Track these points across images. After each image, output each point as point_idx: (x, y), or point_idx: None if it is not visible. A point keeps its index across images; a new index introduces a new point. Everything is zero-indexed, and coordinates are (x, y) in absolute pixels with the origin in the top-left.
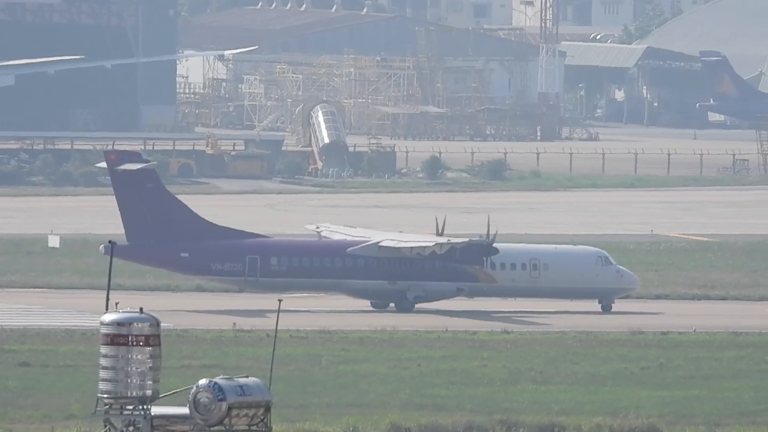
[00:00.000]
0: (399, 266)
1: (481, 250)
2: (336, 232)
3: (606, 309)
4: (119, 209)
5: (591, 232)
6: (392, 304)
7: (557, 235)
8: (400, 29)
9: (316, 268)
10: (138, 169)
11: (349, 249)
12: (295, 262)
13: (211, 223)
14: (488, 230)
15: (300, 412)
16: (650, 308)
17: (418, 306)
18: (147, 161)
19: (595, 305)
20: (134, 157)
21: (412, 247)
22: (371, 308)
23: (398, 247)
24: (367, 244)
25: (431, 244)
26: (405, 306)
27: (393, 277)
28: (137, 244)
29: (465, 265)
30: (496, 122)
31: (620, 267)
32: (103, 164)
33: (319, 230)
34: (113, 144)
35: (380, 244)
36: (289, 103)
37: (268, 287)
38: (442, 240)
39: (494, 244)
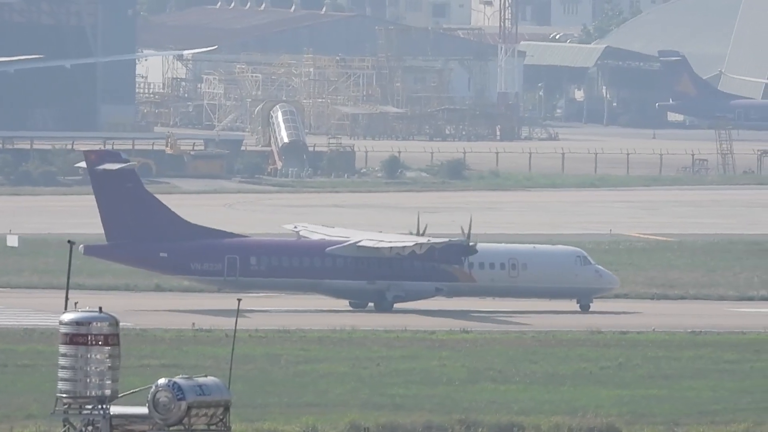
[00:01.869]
0: (378, 266)
1: (460, 249)
2: (315, 231)
3: (584, 309)
4: (99, 209)
5: (550, 232)
6: (371, 304)
7: (517, 235)
8: (360, 29)
9: (295, 268)
10: (117, 169)
11: (328, 249)
12: (274, 262)
13: (191, 222)
14: (469, 230)
15: (259, 412)
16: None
17: (396, 305)
18: (126, 161)
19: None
20: (114, 156)
21: (391, 247)
22: (332, 308)
23: (377, 247)
24: (346, 244)
25: (411, 243)
26: (384, 306)
27: (372, 276)
28: (117, 244)
29: (444, 265)
30: (456, 122)
31: (599, 266)
32: (83, 164)
33: (297, 230)
34: (72, 144)
35: (359, 243)
36: (249, 103)
37: (247, 287)
38: (422, 240)
39: (472, 244)
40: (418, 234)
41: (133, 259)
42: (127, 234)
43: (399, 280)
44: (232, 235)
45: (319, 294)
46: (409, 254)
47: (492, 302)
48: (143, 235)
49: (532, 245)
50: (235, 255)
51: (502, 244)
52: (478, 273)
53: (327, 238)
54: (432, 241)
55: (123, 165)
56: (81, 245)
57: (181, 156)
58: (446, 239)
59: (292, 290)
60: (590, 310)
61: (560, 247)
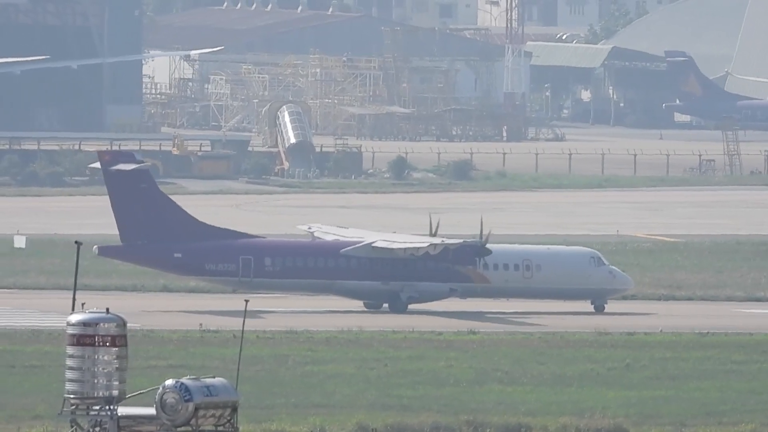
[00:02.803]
0: (392, 267)
1: (474, 250)
2: (328, 232)
3: (599, 310)
4: (113, 209)
5: (557, 233)
6: (386, 305)
7: (524, 236)
8: (366, 29)
9: (309, 269)
10: (132, 170)
11: (342, 250)
12: (288, 263)
13: (205, 223)
14: (481, 231)
15: (266, 413)
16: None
17: (411, 306)
18: (141, 162)
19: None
20: (128, 157)
21: (405, 248)
22: (339, 308)
23: (392, 248)
24: (360, 244)
25: (425, 244)
26: (398, 306)
27: (386, 277)
28: (131, 245)
29: (458, 266)
30: (462, 122)
31: (613, 267)
32: (97, 164)
33: (311, 230)
34: (79, 144)
35: (374, 244)
36: (255, 104)
37: (261, 288)
38: (436, 240)
39: (487, 245)
40: (431, 235)
41: (148, 259)
42: (141, 235)
43: (413, 281)
44: (246, 235)
45: (333, 295)
46: (423, 255)
47: (504, 303)
48: (157, 235)
49: (546, 246)
50: (250, 256)
51: (516, 245)
52: (492, 274)
53: (341, 238)
54: (446, 242)
55: (137, 165)
56: (95, 246)
57: (187, 157)
58: (461, 240)
59: (306, 291)
60: (604, 311)
61: (574, 247)
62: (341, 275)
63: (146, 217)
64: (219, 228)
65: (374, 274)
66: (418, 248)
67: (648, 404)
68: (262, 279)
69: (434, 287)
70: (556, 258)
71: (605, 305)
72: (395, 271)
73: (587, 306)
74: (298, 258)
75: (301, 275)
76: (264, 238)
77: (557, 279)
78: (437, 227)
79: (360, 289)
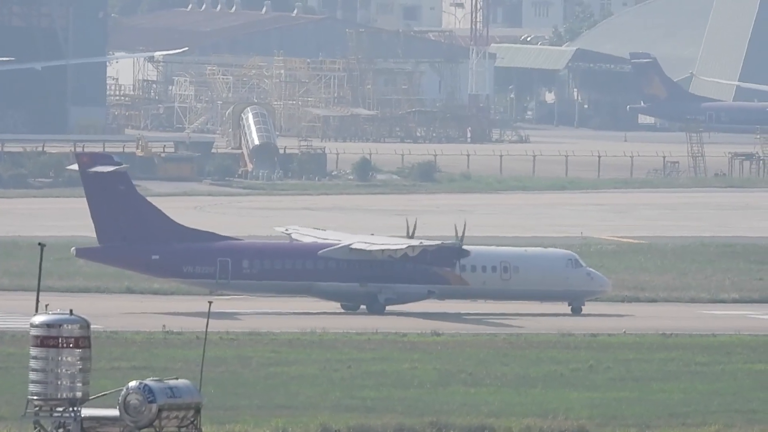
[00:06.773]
0: (370, 269)
1: (452, 252)
2: (306, 234)
3: (576, 311)
4: (90, 211)
5: (521, 235)
6: (363, 306)
7: (489, 237)
8: (331, 31)
9: (287, 271)
10: (110, 172)
11: (320, 251)
12: (266, 265)
13: (183, 225)
14: (462, 232)
15: (230, 414)
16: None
17: (389, 308)
18: (119, 164)
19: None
20: (106, 159)
21: (383, 250)
22: (304, 311)
23: (370, 250)
24: (338, 246)
25: (403, 246)
26: (376, 308)
27: (364, 279)
28: (108, 247)
29: (436, 268)
30: (427, 124)
31: (590, 269)
32: (75, 166)
33: (289, 233)
34: (43, 146)
35: (352, 246)
36: (220, 105)
37: (239, 290)
38: (415, 242)
39: (465, 247)
40: (409, 237)
41: (125, 261)
42: (118, 236)
43: (391, 282)
44: (224, 237)
45: (311, 296)
46: (401, 257)
47: (479, 305)
48: (135, 237)
49: (523, 248)
50: (227, 258)
51: (494, 247)
52: (470, 276)
53: (319, 240)
54: (424, 244)
55: (115, 167)
56: (73, 248)
57: (151, 158)
58: (439, 242)
59: (284, 293)
60: (582, 312)
61: (552, 249)
62: (319, 277)
63: (124, 219)
64: (197, 230)
65: (352, 275)
66: (397, 250)
67: (611, 406)
68: (240, 281)
69: (412, 289)
70: (533, 260)
71: (582, 307)
72: (373, 272)
73: (564, 308)
74: (275, 260)
75: (279, 277)
76: (242, 240)
77: (535, 281)
78: (414, 229)
79: (338, 290)
